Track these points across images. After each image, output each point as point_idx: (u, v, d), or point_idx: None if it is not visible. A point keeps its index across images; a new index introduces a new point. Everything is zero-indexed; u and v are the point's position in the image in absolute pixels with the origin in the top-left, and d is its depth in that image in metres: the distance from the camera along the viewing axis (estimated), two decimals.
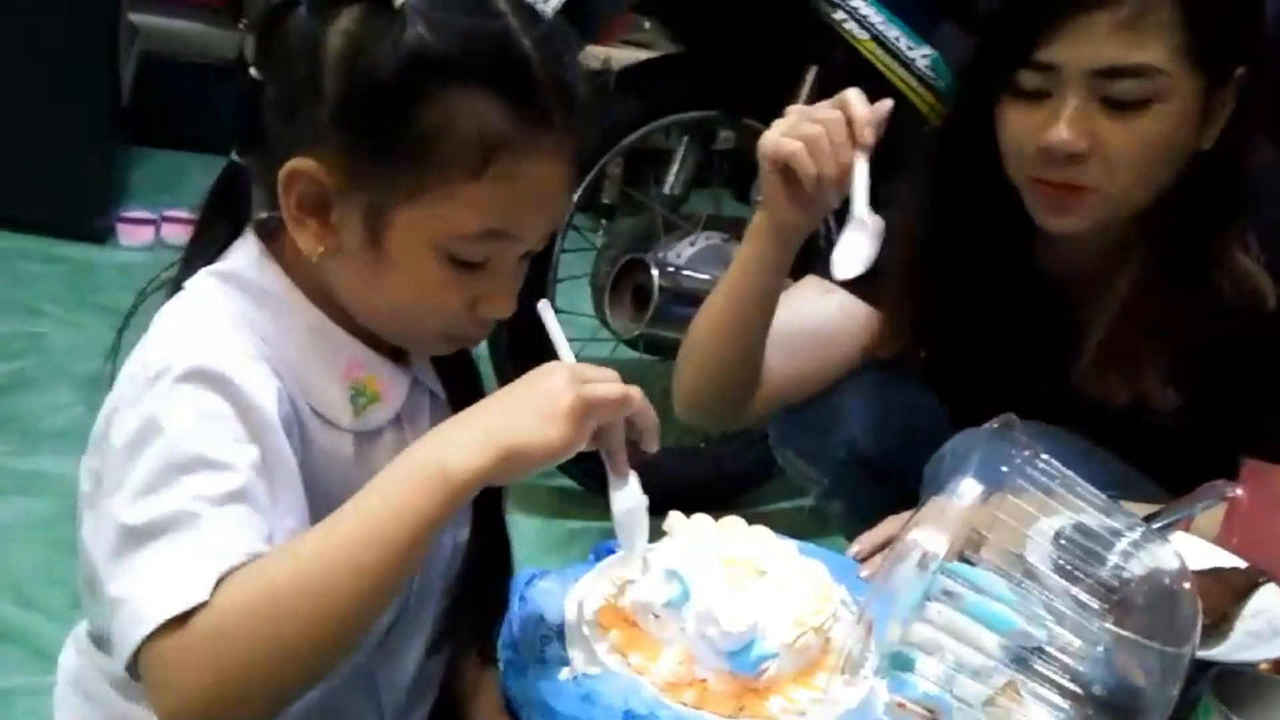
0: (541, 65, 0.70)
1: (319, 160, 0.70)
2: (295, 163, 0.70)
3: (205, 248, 0.76)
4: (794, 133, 0.97)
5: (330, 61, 0.68)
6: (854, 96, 0.98)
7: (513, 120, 0.69)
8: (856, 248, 0.99)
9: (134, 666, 0.61)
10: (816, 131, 0.96)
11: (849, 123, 0.96)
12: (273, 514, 0.66)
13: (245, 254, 0.74)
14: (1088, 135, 0.97)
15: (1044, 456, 0.69)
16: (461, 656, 0.86)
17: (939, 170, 1.12)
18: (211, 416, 0.66)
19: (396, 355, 0.79)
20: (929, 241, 1.10)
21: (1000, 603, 0.64)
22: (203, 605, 0.59)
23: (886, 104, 0.99)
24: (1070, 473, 0.70)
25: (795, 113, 1.00)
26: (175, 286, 0.75)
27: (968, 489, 0.65)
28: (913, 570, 0.62)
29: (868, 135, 0.97)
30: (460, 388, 0.84)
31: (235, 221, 0.76)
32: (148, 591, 0.61)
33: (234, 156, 0.76)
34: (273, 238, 0.75)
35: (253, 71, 0.72)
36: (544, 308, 0.78)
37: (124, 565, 0.62)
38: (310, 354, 0.73)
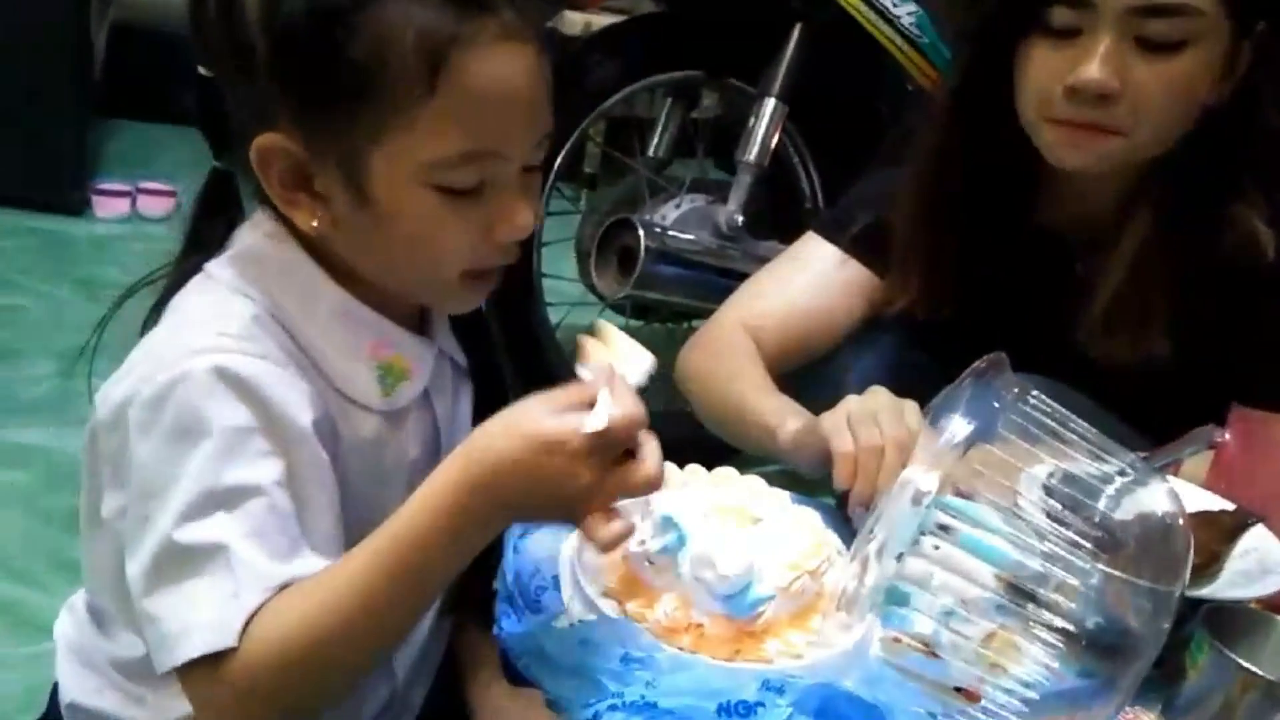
0: None
1: (279, 131, 0.67)
2: (258, 141, 0.68)
3: (201, 250, 0.74)
4: (857, 438, 0.86)
5: (252, 25, 0.66)
6: (916, 419, 0.87)
7: (449, 15, 0.64)
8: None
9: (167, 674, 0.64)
10: (869, 451, 0.85)
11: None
12: (304, 520, 0.66)
13: (261, 231, 0.72)
14: (1120, 75, 0.95)
15: (1034, 393, 0.69)
16: (464, 623, 0.86)
17: (948, 120, 1.09)
18: (239, 432, 0.64)
19: (419, 327, 0.77)
20: (934, 196, 1.09)
21: (995, 535, 0.64)
22: (231, 650, 0.62)
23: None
24: (1061, 408, 0.70)
25: (864, 415, 0.89)
26: (181, 274, 0.73)
27: (958, 427, 0.65)
28: (906, 505, 0.61)
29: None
30: (479, 356, 0.82)
31: (229, 224, 0.74)
32: (179, 623, 0.63)
33: (215, 163, 0.74)
34: (286, 223, 0.72)
35: (201, 70, 0.70)
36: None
37: (159, 585, 0.64)
38: (336, 338, 0.72)
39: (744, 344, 1.13)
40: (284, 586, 0.63)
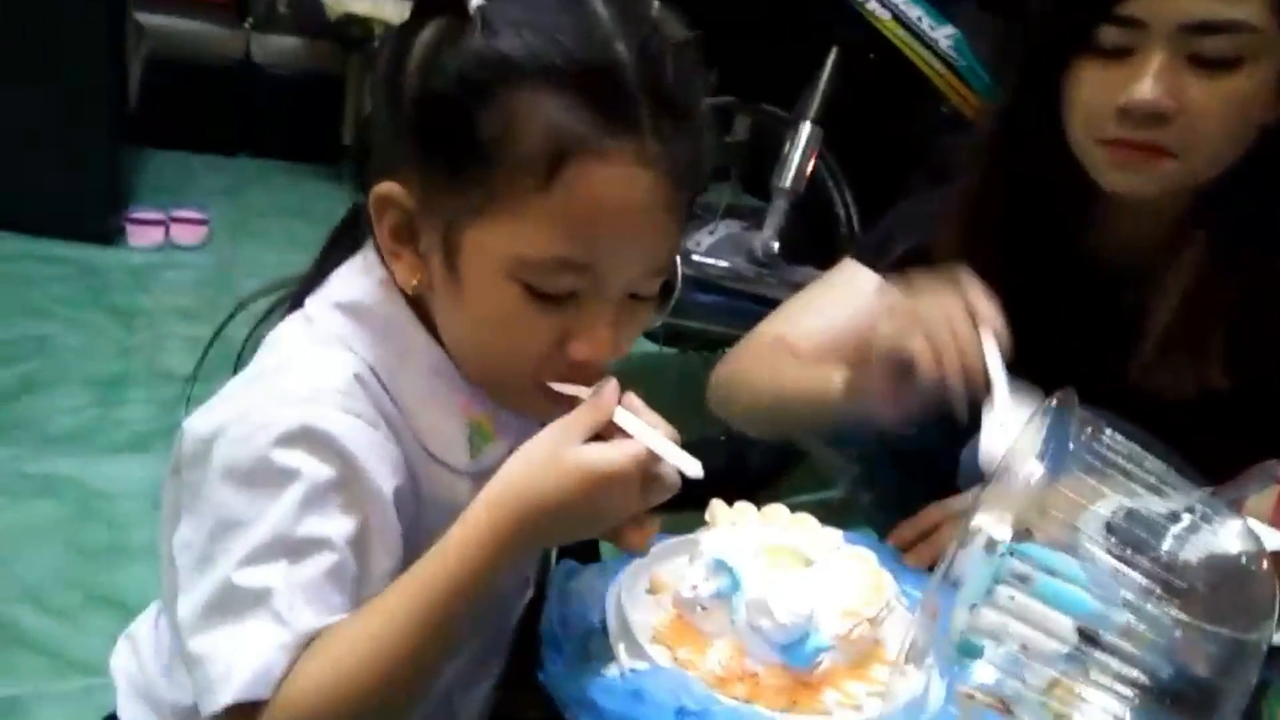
0: (629, 60, 0.62)
1: (401, 182, 0.67)
2: (380, 187, 0.67)
3: (326, 274, 0.73)
4: (914, 328, 0.86)
5: (409, 73, 0.65)
6: (969, 280, 0.88)
7: (588, 120, 0.62)
8: (1004, 435, 0.84)
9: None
10: (939, 327, 0.85)
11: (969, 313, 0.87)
12: (366, 585, 0.65)
13: (368, 282, 0.71)
14: (1173, 94, 0.92)
15: (1108, 431, 0.66)
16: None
17: (995, 144, 1.07)
18: (321, 486, 0.64)
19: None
20: (978, 222, 1.07)
21: (1073, 584, 0.61)
22: (266, 702, 0.61)
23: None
24: (1134, 445, 0.67)
25: (905, 306, 0.88)
26: (291, 305, 0.73)
27: (1032, 468, 0.62)
28: (980, 554, 0.59)
29: (994, 322, 0.87)
30: None
31: (355, 250, 0.74)
32: (219, 669, 0.62)
33: (358, 198, 0.73)
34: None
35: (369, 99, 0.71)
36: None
37: (208, 626, 0.63)
38: (430, 395, 0.71)
39: (779, 352, 1.11)
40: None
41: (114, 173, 2.62)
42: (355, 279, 0.72)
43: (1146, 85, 0.92)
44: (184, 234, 2.64)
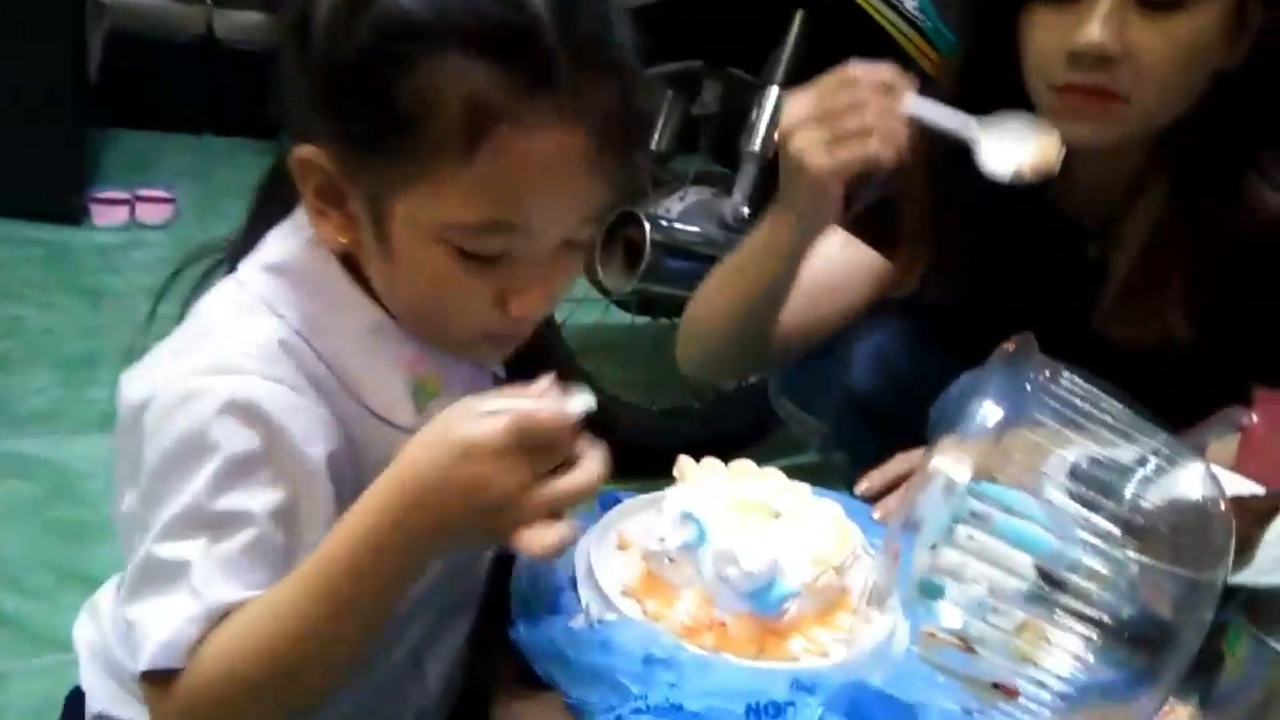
0: (544, 14, 0.61)
1: (321, 147, 0.66)
2: (299, 151, 0.66)
3: (258, 236, 0.72)
4: (835, 130, 0.91)
5: (316, 38, 0.64)
6: (859, 67, 0.94)
7: (505, 85, 0.60)
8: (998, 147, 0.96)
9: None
10: (863, 115, 0.91)
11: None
12: (298, 556, 0.64)
13: (298, 243, 0.70)
14: (1121, 36, 0.93)
15: (1066, 374, 0.67)
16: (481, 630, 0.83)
17: (956, 98, 1.08)
18: (244, 459, 0.63)
19: None
20: (943, 175, 1.07)
21: (1033, 522, 0.62)
22: (180, 670, 0.62)
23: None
24: (1094, 389, 0.68)
25: (811, 109, 0.93)
26: (223, 268, 0.72)
27: (989, 412, 0.63)
28: (938, 494, 0.59)
29: (904, 83, 0.93)
30: (523, 370, 0.80)
31: (289, 210, 0.72)
32: (142, 634, 0.63)
33: (280, 153, 0.71)
34: None
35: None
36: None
37: (134, 597, 0.64)
38: (371, 355, 0.69)
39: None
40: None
41: (77, 152, 2.58)
42: (286, 240, 0.71)
43: (1094, 28, 0.93)
44: (149, 213, 2.61)
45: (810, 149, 0.93)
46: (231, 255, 0.73)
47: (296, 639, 0.61)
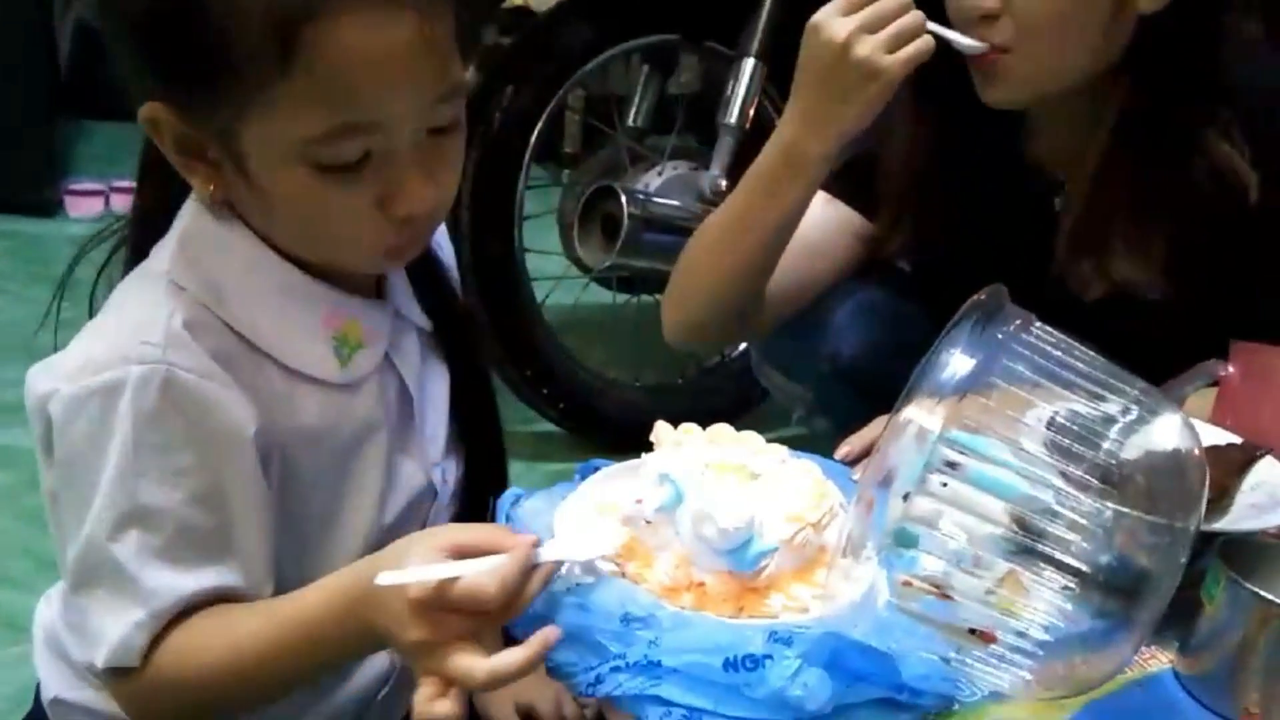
0: None
1: (160, 100, 0.65)
2: (142, 111, 0.65)
3: (149, 215, 0.72)
4: (896, 28, 0.94)
5: (111, 1, 0.64)
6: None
7: None
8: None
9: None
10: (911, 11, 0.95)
11: None
12: (229, 535, 0.65)
13: (195, 209, 0.69)
14: None
15: (1036, 324, 0.66)
16: None
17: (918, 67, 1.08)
18: (156, 448, 0.63)
19: (374, 291, 0.74)
20: (917, 138, 1.07)
21: (1005, 469, 0.62)
22: (136, 669, 0.64)
23: None
24: (1066, 338, 0.67)
25: (858, 16, 0.95)
26: (132, 254, 0.71)
27: (959, 363, 0.63)
28: (910, 443, 0.59)
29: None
30: (444, 319, 0.79)
31: (179, 189, 0.71)
32: (95, 629, 0.65)
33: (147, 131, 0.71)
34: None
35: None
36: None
37: (81, 586, 0.66)
38: (285, 314, 0.69)
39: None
40: (195, 599, 0.64)
41: (48, 144, 2.57)
42: (187, 215, 0.70)
43: None
44: (125, 203, 2.56)
45: (876, 52, 0.93)
46: (133, 230, 0.73)
47: (244, 677, 0.64)
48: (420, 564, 0.59)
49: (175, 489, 0.64)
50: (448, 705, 0.59)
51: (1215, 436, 0.91)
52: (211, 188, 0.66)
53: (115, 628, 0.64)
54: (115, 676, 0.67)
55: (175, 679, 0.65)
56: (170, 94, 0.64)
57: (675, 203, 1.72)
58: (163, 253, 0.69)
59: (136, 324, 0.66)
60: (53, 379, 0.66)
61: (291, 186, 0.64)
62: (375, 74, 0.61)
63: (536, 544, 0.61)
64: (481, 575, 0.58)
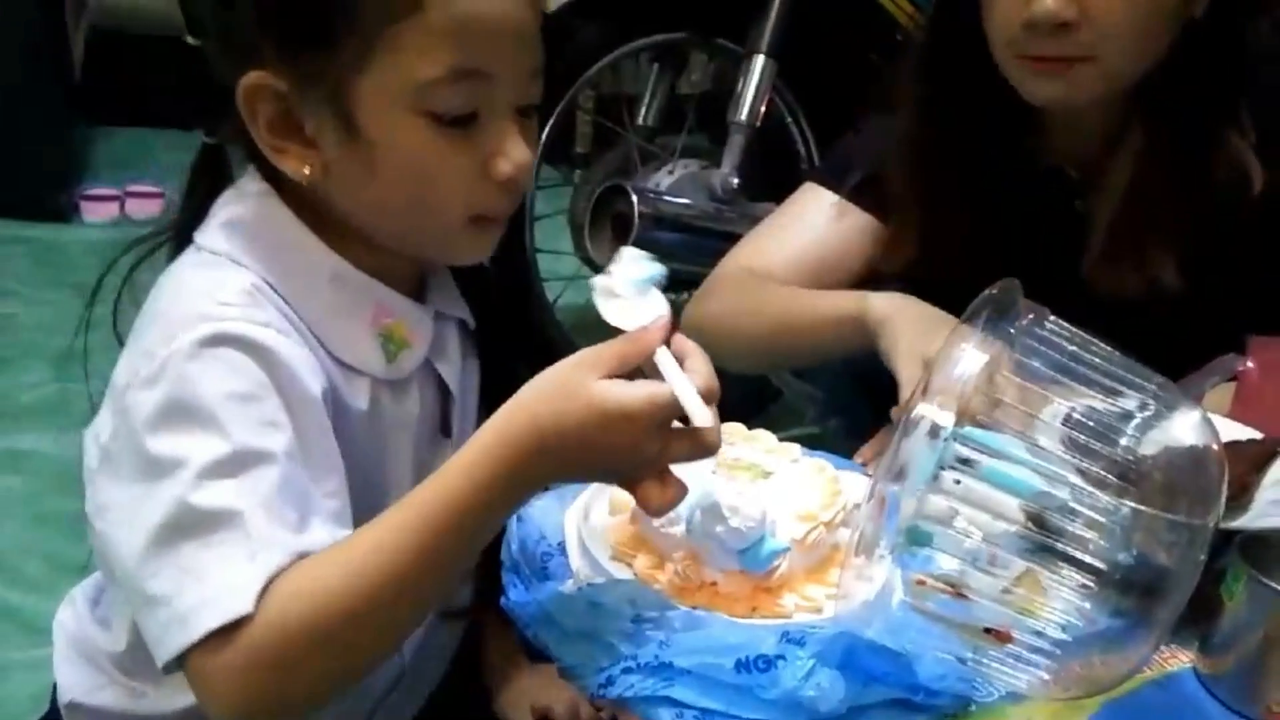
0: None
1: (267, 69, 0.65)
2: (244, 81, 0.65)
3: (197, 220, 0.71)
4: None
5: None
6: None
7: None
8: None
9: (172, 664, 0.60)
10: None
11: None
12: (312, 492, 0.63)
13: (247, 201, 0.70)
14: (1073, 2, 0.93)
15: (1050, 317, 0.66)
16: (479, 602, 0.83)
17: (927, 69, 1.07)
18: (247, 398, 0.62)
19: (417, 293, 0.75)
20: (926, 143, 1.06)
21: (1019, 466, 0.61)
22: (248, 617, 0.57)
23: None
24: (1080, 332, 0.67)
25: None
26: (176, 247, 0.71)
27: (972, 357, 0.62)
28: (923, 440, 0.58)
29: None
30: (487, 314, 0.80)
31: (221, 188, 0.72)
32: (191, 598, 0.59)
33: (204, 138, 0.72)
34: (276, 186, 0.70)
35: (189, 40, 0.69)
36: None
37: (164, 561, 0.59)
38: (335, 306, 0.69)
39: (757, 279, 1.11)
40: (300, 557, 0.59)
41: (64, 149, 2.58)
42: (234, 203, 0.70)
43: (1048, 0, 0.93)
44: (140, 208, 2.60)
45: None
46: (176, 233, 0.72)
47: (395, 578, 0.59)
48: (638, 390, 0.60)
49: (271, 439, 0.62)
50: (677, 488, 0.62)
51: (1234, 432, 0.90)
52: (307, 169, 0.67)
53: (219, 576, 0.58)
54: (213, 650, 0.58)
55: (296, 615, 0.57)
56: (286, 51, 0.65)
57: (686, 201, 1.72)
58: (214, 236, 0.69)
59: (206, 290, 0.65)
60: (126, 366, 0.65)
61: (406, 138, 0.65)
62: (496, 25, 0.65)
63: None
64: (703, 373, 0.62)
